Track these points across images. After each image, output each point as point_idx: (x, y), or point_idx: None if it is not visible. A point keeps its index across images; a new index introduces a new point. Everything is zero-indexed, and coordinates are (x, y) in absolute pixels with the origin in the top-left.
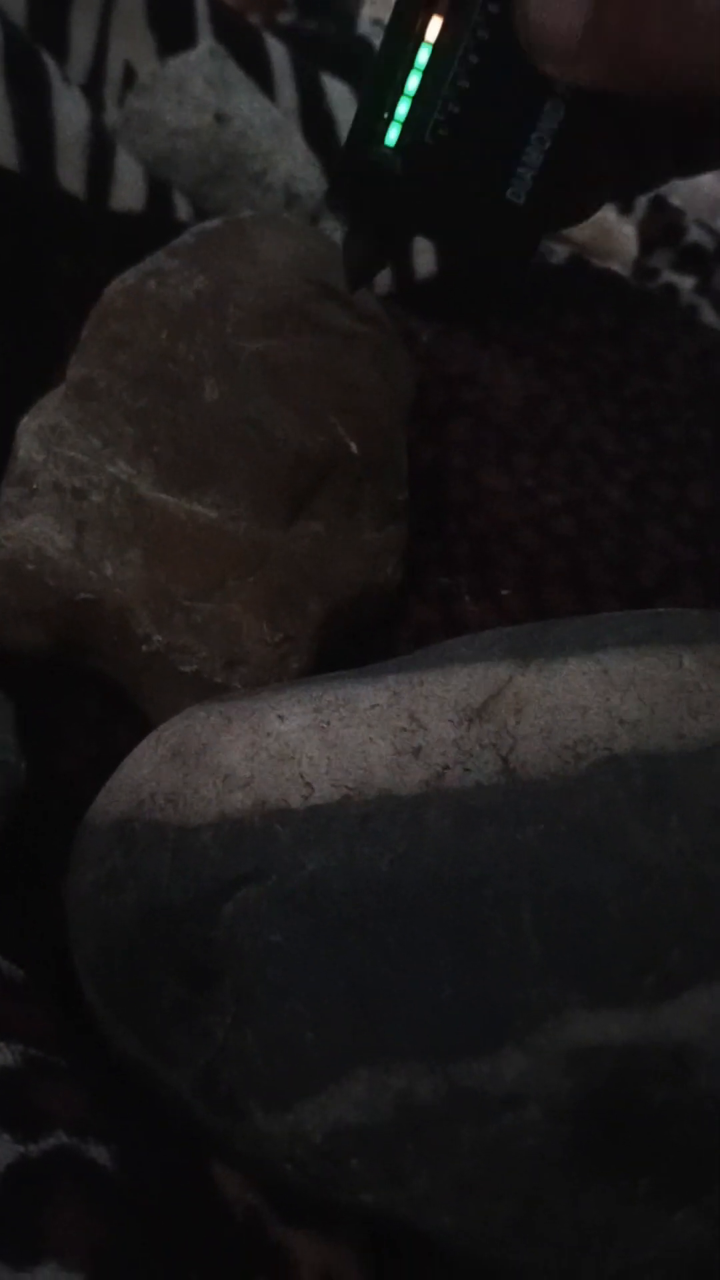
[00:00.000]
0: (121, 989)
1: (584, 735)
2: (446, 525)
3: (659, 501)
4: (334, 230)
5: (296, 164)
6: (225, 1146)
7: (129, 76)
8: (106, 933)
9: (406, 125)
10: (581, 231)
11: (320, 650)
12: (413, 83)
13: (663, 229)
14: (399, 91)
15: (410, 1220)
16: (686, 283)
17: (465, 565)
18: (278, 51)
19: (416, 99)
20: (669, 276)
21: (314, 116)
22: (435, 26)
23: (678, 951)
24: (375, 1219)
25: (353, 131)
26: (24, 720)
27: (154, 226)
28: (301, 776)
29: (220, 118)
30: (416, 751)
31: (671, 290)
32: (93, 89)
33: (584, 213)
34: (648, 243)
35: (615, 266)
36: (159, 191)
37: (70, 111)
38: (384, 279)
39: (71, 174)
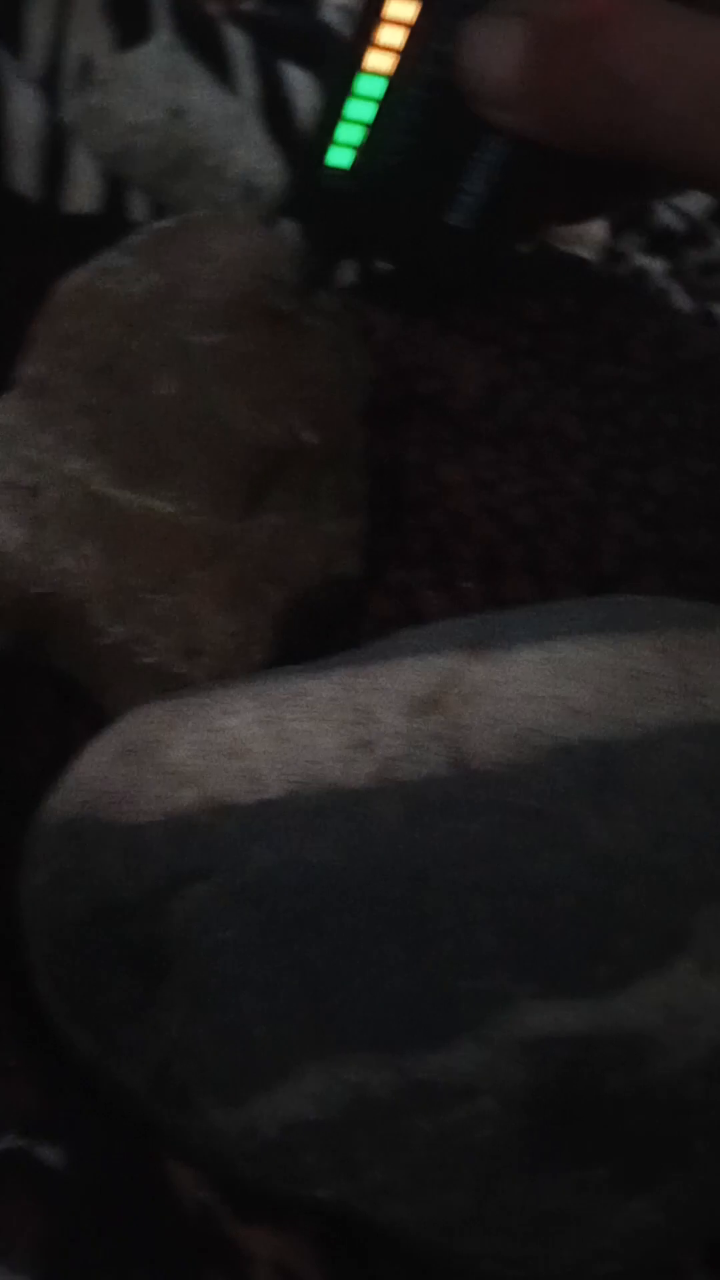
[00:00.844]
0: (74, 987)
1: (534, 725)
2: (405, 519)
3: (621, 488)
4: (294, 227)
5: (256, 156)
6: (179, 1143)
7: (86, 70)
8: (58, 931)
9: (359, 151)
10: None
11: (282, 642)
12: (365, 112)
13: (631, 212)
14: (353, 118)
15: (366, 1213)
16: (657, 266)
17: (425, 558)
18: (237, 40)
19: (369, 127)
20: (639, 260)
21: (274, 106)
22: (389, 61)
23: (629, 940)
24: (331, 1212)
25: (306, 153)
26: None
27: (109, 226)
28: (250, 772)
29: (176, 112)
30: (366, 744)
31: (641, 274)
32: (50, 84)
33: (532, 236)
34: (617, 226)
35: (583, 252)
36: (115, 190)
37: (24, 109)
38: (346, 270)
39: (25, 173)
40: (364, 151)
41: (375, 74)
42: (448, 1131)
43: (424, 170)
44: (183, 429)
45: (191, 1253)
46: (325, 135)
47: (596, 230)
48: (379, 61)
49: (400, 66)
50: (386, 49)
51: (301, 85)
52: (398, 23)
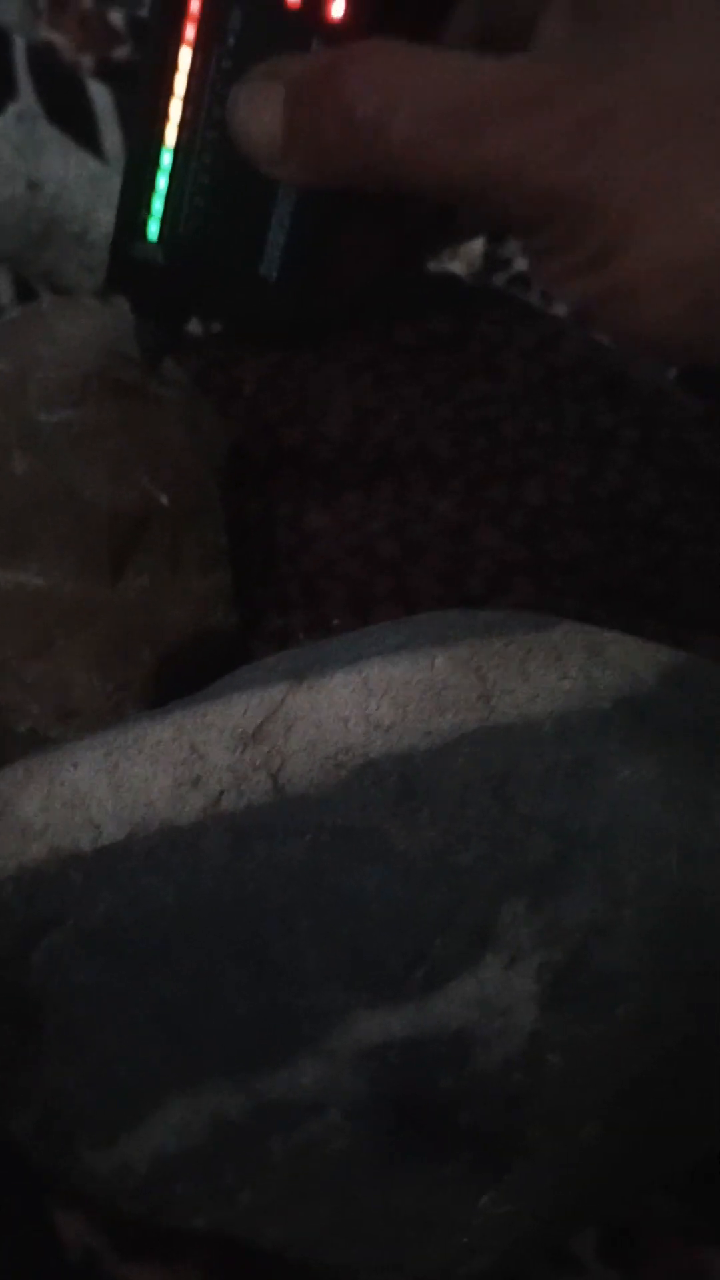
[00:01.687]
0: None
1: (344, 744)
2: (278, 569)
3: (490, 504)
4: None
5: None
6: (64, 1188)
7: None
8: None
9: (163, 220)
10: None
11: (157, 697)
12: (161, 182)
13: None
14: (150, 190)
15: (243, 1237)
16: None
17: (298, 603)
18: (101, 96)
19: (167, 196)
20: (521, 265)
21: None
22: (172, 132)
23: (440, 942)
24: (212, 1241)
25: (116, 230)
26: None
27: None
28: (91, 819)
29: (33, 185)
30: (195, 781)
31: (522, 280)
32: None
33: (351, 282)
34: (497, 234)
35: (457, 267)
36: None
37: None
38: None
39: None
40: (167, 220)
41: (164, 146)
42: (302, 1147)
43: (228, 228)
44: (40, 503)
45: None
46: (129, 211)
47: (474, 243)
48: (166, 133)
49: (184, 136)
50: (170, 121)
51: None
52: (176, 95)
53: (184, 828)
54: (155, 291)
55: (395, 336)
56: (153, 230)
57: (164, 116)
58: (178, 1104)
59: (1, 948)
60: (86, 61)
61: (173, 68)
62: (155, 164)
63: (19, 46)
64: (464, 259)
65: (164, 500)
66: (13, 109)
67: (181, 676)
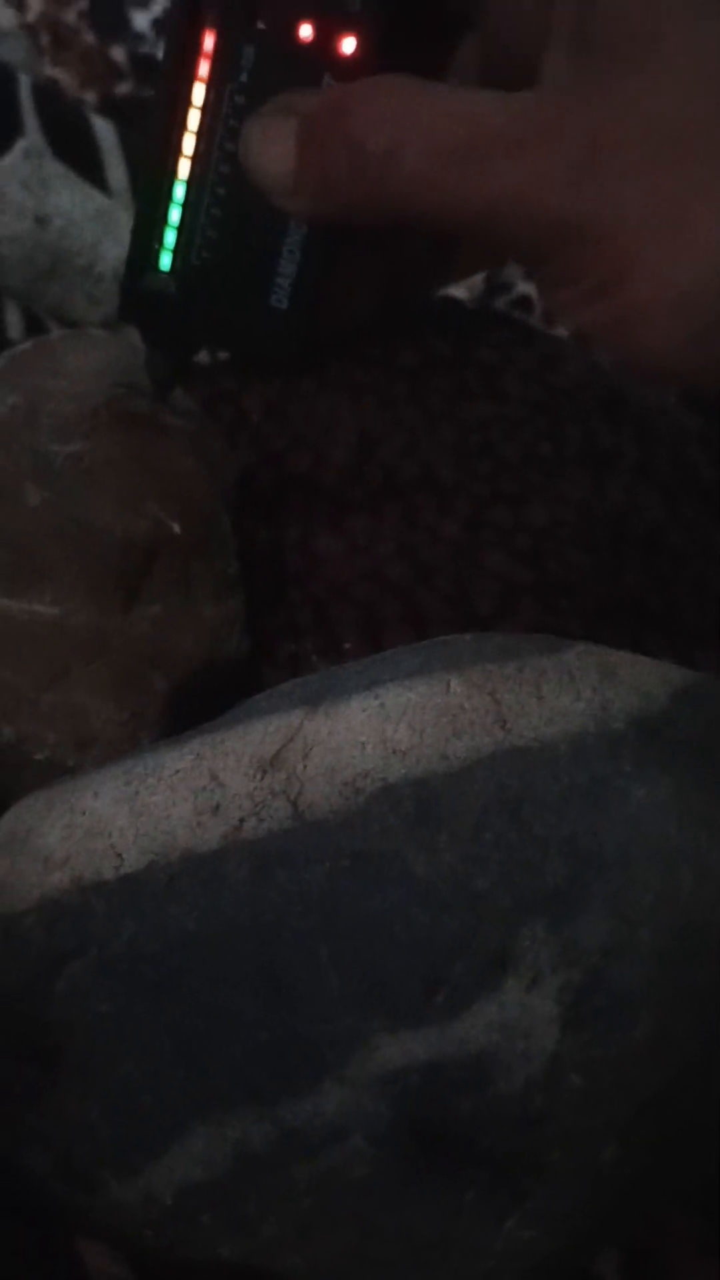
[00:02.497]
0: None
1: (362, 769)
2: (289, 595)
3: (496, 527)
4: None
5: (124, 248)
6: (87, 1221)
7: None
8: None
9: (175, 251)
10: None
11: (171, 725)
12: (174, 215)
13: None
14: (163, 223)
15: (266, 1267)
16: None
17: (309, 628)
18: (105, 131)
19: (180, 228)
20: (522, 288)
21: None
22: (185, 165)
23: (460, 965)
24: (236, 1272)
25: (129, 261)
26: None
27: None
28: (113, 848)
29: (40, 220)
30: (215, 808)
31: (525, 303)
32: None
33: (358, 315)
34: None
35: (458, 292)
36: None
37: None
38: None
39: None
40: (179, 252)
41: (177, 179)
42: (325, 1175)
43: (239, 260)
44: (53, 534)
45: None
46: (141, 243)
47: None
48: (179, 166)
49: (196, 170)
50: (183, 154)
51: None
52: (189, 129)
53: (205, 855)
54: (167, 322)
55: (397, 359)
56: (165, 261)
57: (177, 150)
58: (201, 1132)
59: (22, 981)
60: (90, 98)
61: (186, 102)
62: (168, 197)
63: (24, 84)
64: (465, 282)
65: (175, 529)
66: (20, 145)
67: (195, 704)
